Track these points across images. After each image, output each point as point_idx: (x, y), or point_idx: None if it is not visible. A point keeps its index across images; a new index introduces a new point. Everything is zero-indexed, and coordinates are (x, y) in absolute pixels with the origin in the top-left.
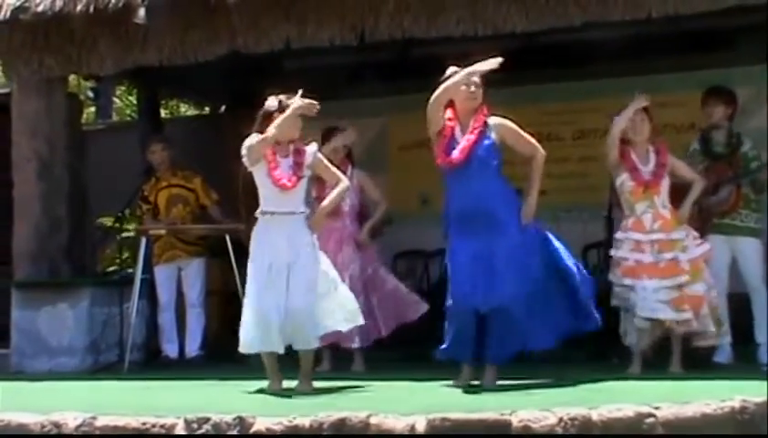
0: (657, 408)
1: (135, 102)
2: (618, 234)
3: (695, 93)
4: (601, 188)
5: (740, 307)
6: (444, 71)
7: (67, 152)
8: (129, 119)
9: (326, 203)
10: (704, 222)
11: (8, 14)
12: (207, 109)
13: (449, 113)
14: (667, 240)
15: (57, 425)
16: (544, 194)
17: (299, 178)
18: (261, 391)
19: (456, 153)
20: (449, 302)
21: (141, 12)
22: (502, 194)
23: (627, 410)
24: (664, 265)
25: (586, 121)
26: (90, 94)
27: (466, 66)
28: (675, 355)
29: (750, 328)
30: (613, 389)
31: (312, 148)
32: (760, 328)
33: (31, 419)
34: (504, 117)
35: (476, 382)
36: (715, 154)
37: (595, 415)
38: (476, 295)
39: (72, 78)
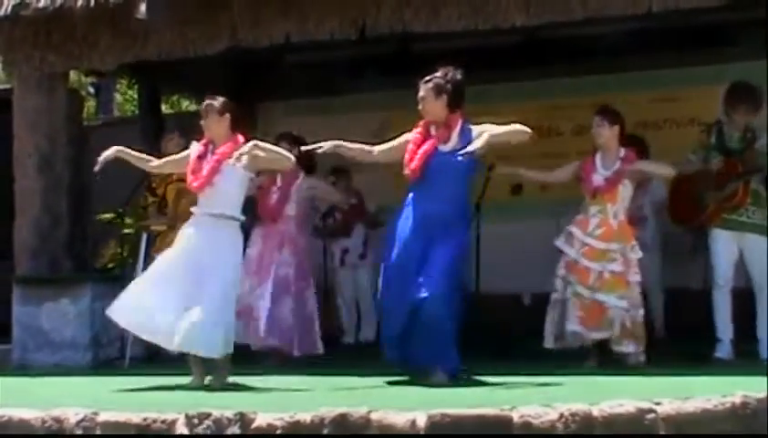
0: (658, 403)
1: (136, 97)
2: (568, 226)
3: (695, 88)
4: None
5: (741, 302)
6: (444, 66)
7: (68, 148)
8: (130, 114)
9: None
10: (711, 217)
11: (9, 10)
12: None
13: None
14: (596, 249)
15: (58, 421)
16: (544, 190)
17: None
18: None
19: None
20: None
21: (142, 7)
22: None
23: (628, 405)
24: (581, 267)
25: (585, 117)
26: (91, 90)
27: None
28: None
29: (751, 323)
30: (614, 384)
31: (246, 146)
32: (761, 324)
33: (32, 414)
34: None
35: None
36: (729, 150)
37: (596, 411)
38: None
39: (73, 73)
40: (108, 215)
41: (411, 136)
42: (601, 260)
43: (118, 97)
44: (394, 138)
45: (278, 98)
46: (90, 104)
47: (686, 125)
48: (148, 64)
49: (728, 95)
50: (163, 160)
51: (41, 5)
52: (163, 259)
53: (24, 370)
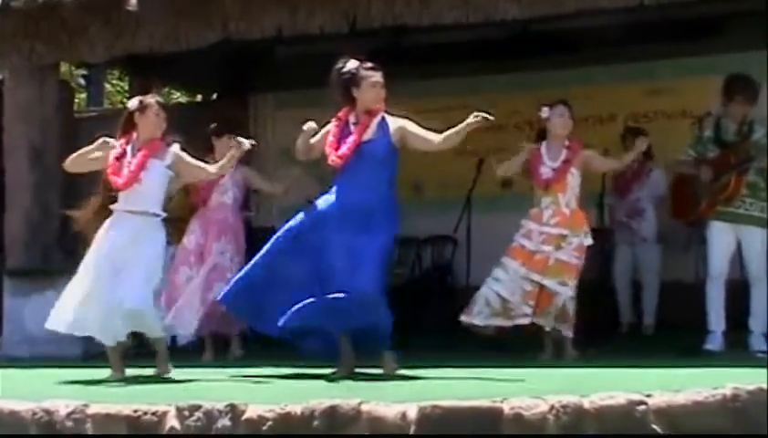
0: (648, 396)
1: (127, 88)
2: (522, 221)
3: (687, 80)
4: (593, 175)
5: (733, 294)
6: (435, 59)
7: (59, 140)
8: (121, 106)
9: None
10: (705, 210)
11: None
12: (199, 96)
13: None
14: (552, 234)
15: (48, 413)
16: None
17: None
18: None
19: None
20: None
21: None
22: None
23: (619, 397)
24: (538, 258)
25: (578, 109)
26: (82, 81)
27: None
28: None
29: (742, 315)
30: (605, 376)
31: (172, 148)
32: (755, 317)
33: (22, 406)
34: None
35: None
36: (725, 142)
37: (587, 403)
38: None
39: (63, 65)
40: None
41: (330, 127)
42: (552, 244)
43: (108, 87)
44: None
45: (269, 90)
46: (81, 96)
47: (677, 117)
48: (139, 56)
49: (726, 85)
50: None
51: None
52: (87, 262)
53: (14, 362)
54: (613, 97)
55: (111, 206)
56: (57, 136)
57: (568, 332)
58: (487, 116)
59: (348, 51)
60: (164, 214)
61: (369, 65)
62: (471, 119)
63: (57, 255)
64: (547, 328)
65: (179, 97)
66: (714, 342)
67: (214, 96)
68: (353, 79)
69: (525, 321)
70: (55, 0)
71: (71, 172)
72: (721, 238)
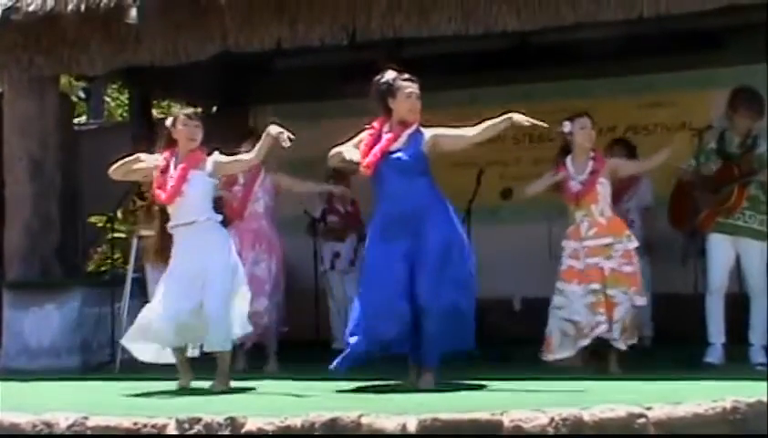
0: (648, 408)
1: (127, 102)
2: (563, 242)
3: (686, 93)
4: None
5: (732, 307)
6: (435, 71)
7: (59, 152)
8: (120, 118)
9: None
10: (705, 221)
11: None
12: (199, 109)
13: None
14: (595, 246)
15: (48, 425)
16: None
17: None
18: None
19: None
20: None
21: (133, 12)
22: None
23: (618, 410)
24: (588, 270)
25: None
26: (81, 94)
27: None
28: (611, 358)
29: (742, 328)
30: (605, 389)
31: (211, 156)
32: (754, 330)
33: (23, 419)
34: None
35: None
36: (728, 154)
37: (586, 415)
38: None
39: (63, 77)
40: (98, 218)
41: (364, 136)
42: (599, 255)
43: (108, 100)
44: None
45: (269, 103)
46: (81, 109)
47: (676, 129)
48: (139, 69)
49: (731, 97)
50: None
51: (31, 9)
52: (164, 280)
53: (14, 374)
54: (612, 109)
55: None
56: (57, 149)
57: (621, 345)
58: (537, 123)
59: (348, 64)
60: (219, 217)
61: (406, 76)
62: (517, 116)
63: (57, 267)
64: (616, 338)
65: (179, 109)
66: (714, 355)
67: (214, 108)
68: (389, 90)
69: (603, 328)
70: (55, 13)
71: (115, 179)
72: (720, 251)
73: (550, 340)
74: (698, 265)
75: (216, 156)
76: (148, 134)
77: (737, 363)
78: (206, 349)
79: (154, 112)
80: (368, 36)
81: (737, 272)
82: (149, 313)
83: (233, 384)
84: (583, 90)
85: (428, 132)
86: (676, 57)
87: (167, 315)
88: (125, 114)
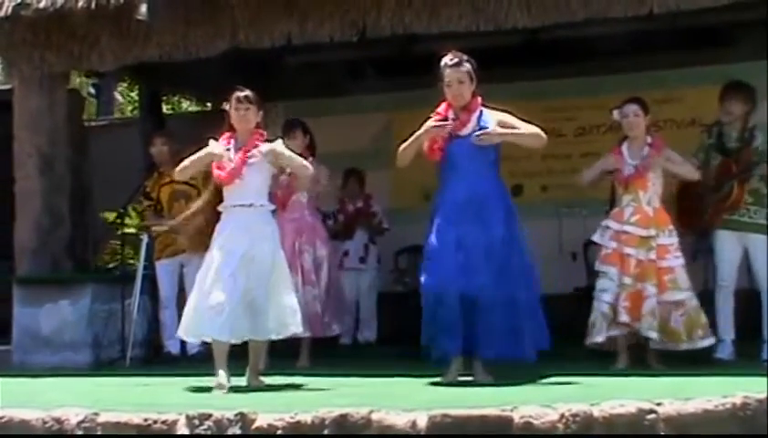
0: (658, 404)
1: (137, 98)
2: (604, 221)
3: (696, 89)
4: (602, 184)
5: (743, 303)
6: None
7: (69, 148)
8: (131, 115)
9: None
10: (711, 219)
11: (9, 10)
12: (209, 105)
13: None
14: (634, 236)
15: (58, 421)
16: (545, 191)
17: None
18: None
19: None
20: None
21: (143, 8)
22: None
23: (628, 406)
24: (629, 260)
25: (587, 117)
26: (92, 90)
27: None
28: (649, 353)
29: (752, 324)
30: (614, 385)
31: (271, 144)
32: (766, 325)
33: (33, 415)
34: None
35: (465, 377)
36: (727, 150)
37: (596, 411)
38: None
39: (73, 74)
40: (110, 214)
41: (430, 123)
42: (639, 247)
43: (118, 97)
44: (397, 139)
45: (279, 99)
46: (91, 105)
47: (687, 126)
48: (149, 65)
49: (722, 91)
50: (183, 163)
51: (42, 5)
52: (210, 263)
53: (24, 370)
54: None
55: (219, 207)
56: (67, 145)
57: (654, 336)
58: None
59: (358, 60)
60: (272, 207)
61: (453, 61)
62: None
63: (67, 263)
64: (652, 336)
65: (189, 106)
66: (724, 351)
67: (224, 105)
68: (440, 75)
69: (625, 319)
70: (65, 9)
71: (181, 179)
72: (728, 247)
73: (593, 325)
74: (707, 262)
75: (275, 146)
76: (157, 130)
77: (747, 359)
78: (250, 338)
79: (164, 108)
80: (378, 32)
81: (747, 268)
82: (198, 302)
83: (235, 381)
84: (593, 87)
85: (494, 116)
86: (686, 54)
87: (226, 301)
88: (136, 111)
